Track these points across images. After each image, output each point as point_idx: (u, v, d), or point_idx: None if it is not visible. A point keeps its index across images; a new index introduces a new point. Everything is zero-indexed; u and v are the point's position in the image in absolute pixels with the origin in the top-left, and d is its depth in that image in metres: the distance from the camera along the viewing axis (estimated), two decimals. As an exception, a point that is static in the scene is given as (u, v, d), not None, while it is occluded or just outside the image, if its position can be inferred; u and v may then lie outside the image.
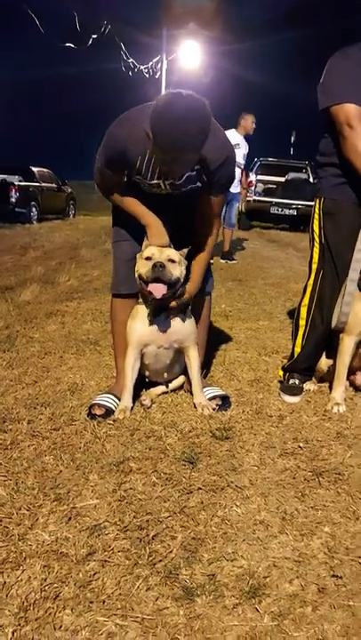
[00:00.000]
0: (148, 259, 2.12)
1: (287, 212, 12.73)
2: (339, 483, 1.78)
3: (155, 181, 2.12)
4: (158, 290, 2.08)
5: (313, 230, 2.55)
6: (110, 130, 2.07)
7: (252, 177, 13.02)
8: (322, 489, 1.75)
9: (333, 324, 2.39)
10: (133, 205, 2.18)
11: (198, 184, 2.14)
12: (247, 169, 12.02)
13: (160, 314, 2.21)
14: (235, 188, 7.00)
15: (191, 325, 2.29)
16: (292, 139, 27.06)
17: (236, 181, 6.94)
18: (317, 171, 2.58)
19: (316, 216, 2.52)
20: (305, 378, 2.62)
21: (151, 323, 2.22)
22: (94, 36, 13.30)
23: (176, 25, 21.93)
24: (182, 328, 2.25)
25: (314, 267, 2.54)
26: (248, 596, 1.29)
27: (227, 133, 6.92)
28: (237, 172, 6.85)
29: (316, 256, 2.53)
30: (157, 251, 2.14)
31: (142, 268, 2.13)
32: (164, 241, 2.16)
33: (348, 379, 2.60)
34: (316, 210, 2.52)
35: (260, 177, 13.15)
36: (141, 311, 2.23)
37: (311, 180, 13.71)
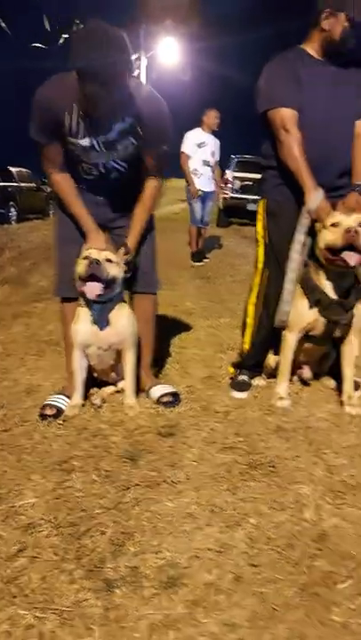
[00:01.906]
0: (85, 258, 2.17)
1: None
2: (271, 475, 1.85)
3: (87, 141, 2.13)
4: (92, 290, 2.13)
5: (257, 231, 2.61)
6: (36, 91, 2.08)
7: (229, 174, 13.07)
8: (254, 482, 1.81)
9: (275, 321, 2.45)
10: (76, 205, 2.23)
11: (132, 140, 2.16)
12: (223, 166, 12.08)
13: (101, 313, 2.26)
14: (208, 187, 7.01)
15: (131, 327, 2.34)
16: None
17: (209, 179, 6.98)
18: (261, 172, 2.64)
19: (260, 217, 2.58)
20: (254, 374, 2.69)
21: (93, 324, 2.26)
22: (66, 36, 13.19)
23: (153, 22, 21.88)
24: (122, 330, 2.30)
25: (259, 266, 2.60)
26: (166, 586, 1.34)
27: (192, 132, 6.90)
28: (208, 169, 6.89)
29: (260, 256, 2.60)
30: (96, 251, 2.19)
31: (79, 267, 2.18)
32: (102, 246, 2.21)
33: (295, 373, 2.68)
34: (260, 211, 2.59)
35: (236, 174, 13.20)
36: (83, 313, 2.28)
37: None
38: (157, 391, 2.46)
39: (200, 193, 6.82)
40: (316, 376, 2.74)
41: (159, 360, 3.03)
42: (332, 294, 2.31)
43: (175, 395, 2.46)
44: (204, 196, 6.99)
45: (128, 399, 2.40)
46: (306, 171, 2.31)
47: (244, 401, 2.50)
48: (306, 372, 2.66)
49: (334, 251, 2.22)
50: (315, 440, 2.11)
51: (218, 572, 1.40)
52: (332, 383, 2.68)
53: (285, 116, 2.33)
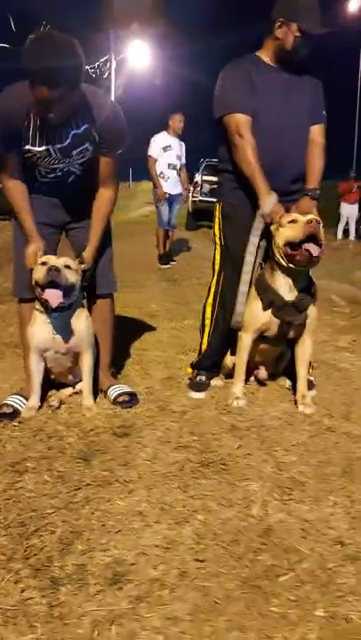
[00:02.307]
0: (43, 264, 2.17)
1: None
2: (222, 473, 1.88)
3: (43, 148, 2.14)
4: (53, 298, 2.14)
5: (214, 233, 2.66)
6: None
7: (198, 177, 13.17)
8: (205, 479, 1.85)
9: (231, 323, 2.49)
10: (23, 211, 2.24)
11: (87, 145, 2.18)
12: (192, 170, 12.16)
13: (58, 318, 2.26)
14: (175, 190, 7.06)
15: (88, 330, 2.35)
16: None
17: (176, 182, 7.03)
18: (218, 176, 2.69)
19: (217, 220, 2.63)
20: (212, 374, 2.73)
21: (50, 328, 2.26)
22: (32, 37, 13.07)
23: (119, 25, 21.87)
24: (79, 333, 2.31)
25: (216, 268, 2.65)
26: (111, 582, 1.36)
27: (158, 136, 6.97)
28: (175, 172, 6.93)
29: (217, 258, 2.64)
30: (54, 258, 2.20)
31: (37, 273, 2.18)
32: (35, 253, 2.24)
33: (252, 373, 2.73)
34: (217, 213, 2.63)
35: (205, 177, 13.29)
36: (39, 317, 2.28)
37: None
38: (115, 392, 2.48)
39: (167, 196, 6.86)
40: (273, 376, 2.79)
41: (120, 362, 3.04)
42: (285, 296, 2.36)
43: (132, 395, 2.48)
44: (171, 199, 7.03)
45: (86, 400, 2.41)
46: (260, 175, 2.36)
47: (202, 401, 2.54)
48: (262, 372, 2.71)
49: (295, 245, 2.25)
50: (267, 438, 2.16)
51: (163, 568, 1.42)
52: (287, 383, 2.74)
53: (240, 121, 2.38)
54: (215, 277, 2.65)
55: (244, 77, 2.41)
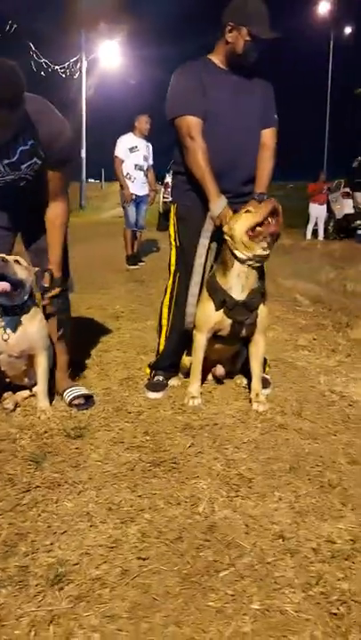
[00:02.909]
0: (-9, 257, 2.16)
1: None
2: (172, 471, 1.90)
3: None
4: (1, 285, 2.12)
5: (170, 234, 2.68)
6: None
7: (168, 178, 13.17)
8: (155, 478, 1.86)
9: (184, 323, 2.52)
10: None
11: (36, 160, 2.17)
12: (162, 171, 12.16)
13: (10, 321, 2.25)
14: (142, 191, 7.06)
15: (41, 332, 2.34)
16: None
17: (143, 183, 7.03)
18: (173, 178, 2.71)
19: (172, 221, 2.65)
20: (169, 374, 2.75)
21: (1, 332, 2.25)
22: (-2, 36, 12.98)
23: (86, 25, 21.80)
24: (32, 336, 2.29)
25: (172, 269, 2.67)
26: (53, 582, 1.37)
27: (124, 137, 6.97)
28: (141, 174, 6.94)
29: (173, 258, 2.67)
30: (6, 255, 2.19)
31: None
32: None
33: (209, 372, 2.76)
34: (172, 215, 2.65)
35: (176, 178, 13.29)
36: (-10, 321, 2.26)
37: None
38: (71, 394, 2.48)
39: (133, 197, 6.87)
40: (230, 374, 2.82)
41: (79, 363, 3.04)
42: (236, 296, 2.39)
43: (88, 397, 2.48)
44: (138, 200, 7.04)
45: (41, 403, 2.41)
46: (210, 178, 2.39)
47: (158, 401, 2.55)
48: (219, 370, 2.74)
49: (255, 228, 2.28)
50: (219, 436, 2.18)
51: (106, 567, 1.43)
52: (244, 381, 2.77)
53: (190, 124, 2.41)
54: (171, 278, 2.67)
55: (195, 80, 2.44)
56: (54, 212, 2.34)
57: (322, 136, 31.58)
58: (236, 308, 2.39)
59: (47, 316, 2.43)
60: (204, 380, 2.78)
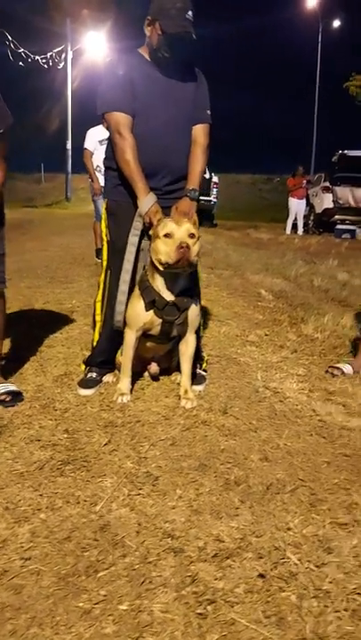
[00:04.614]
0: None
1: (180, 206, 12.93)
2: (80, 470, 1.90)
3: None
4: None
5: (102, 230, 2.66)
6: None
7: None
8: (62, 477, 1.85)
9: (114, 322, 2.50)
10: None
11: None
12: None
13: None
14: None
15: None
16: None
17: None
18: (104, 173, 2.69)
19: (104, 216, 2.63)
20: (103, 371, 2.73)
21: None
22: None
23: (70, 14, 21.59)
24: None
25: (104, 264, 2.65)
26: None
27: (94, 129, 6.90)
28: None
29: (105, 254, 2.65)
30: None
31: None
32: None
33: (144, 369, 2.75)
34: (103, 210, 2.63)
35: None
36: None
37: (207, 175, 14.04)
38: (-2, 390, 2.46)
39: (102, 190, 6.80)
40: (167, 370, 2.82)
41: (20, 359, 3.03)
42: (166, 296, 2.38)
43: (16, 394, 2.47)
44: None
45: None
46: (138, 174, 2.38)
47: (88, 398, 2.54)
48: (153, 367, 2.73)
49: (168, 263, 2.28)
50: (138, 433, 2.18)
51: (-14, 568, 1.42)
52: (179, 378, 2.76)
53: (119, 120, 2.39)
54: (104, 274, 2.66)
55: (124, 76, 2.41)
56: None
57: (310, 129, 31.58)
58: (167, 307, 2.39)
59: None
60: (139, 376, 2.78)
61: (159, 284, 2.39)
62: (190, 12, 2.28)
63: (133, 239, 2.44)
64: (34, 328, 3.66)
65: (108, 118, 2.42)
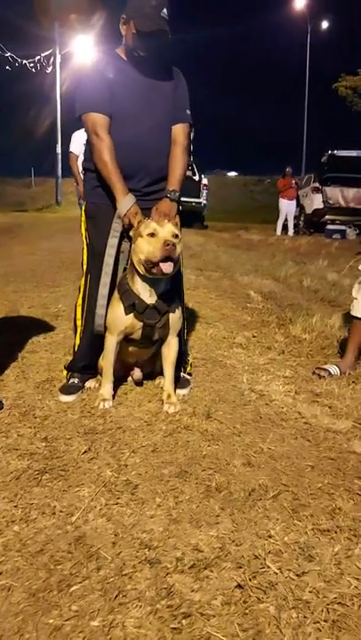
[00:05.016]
0: None
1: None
2: (58, 479, 1.85)
3: None
4: None
5: (81, 232, 2.61)
6: None
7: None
8: (38, 487, 1.80)
9: (94, 326, 2.46)
10: None
11: None
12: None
13: None
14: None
15: None
16: (192, 135, 27.48)
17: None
18: (83, 175, 2.64)
19: (82, 218, 2.59)
20: (85, 376, 2.68)
21: None
22: None
23: (58, 18, 21.56)
24: None
25: (84, 268, 2.61)
26: None
27: (79, 132, 6.86)
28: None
29: (84, 257, 2.61)
30: None
31: None
32: None
33: (128, 374, 2.71)
34: (82, 213, 2.59)
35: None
36: None
37: (196, 177, 14.04)
38: (-23, 398, 2.41)
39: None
40: (150, 375, 2.77)
41: (1, 365, 2.97)
42: (146, 299, 2.34)
43: (-5, 402, 2.41)
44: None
45: None
46: (116, 176, 2.33)
47: (69, 404, 2.49)
48: (137, 373, 2.68)
49: (152, 261, 2.25)
50: (119, 440, 2.13)
51: None
52: (163, 382, 2.72)
53: (96, 121, 2.35)
54: (83, 277, 2.61)
55: (101, 76, 2.37)
56: None
57: (300, 130, 31.69)
58: (147, 311, 2.34)
59: None
60: (122, 381, 2.73)
61: (139, 286, 2.34)
62: (165, 10, 2.24)
63: (113, 241, 2.40)
64: (17, 333, 3.60)
65: (85, 119, 2.38)
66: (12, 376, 2.87)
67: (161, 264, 2.23)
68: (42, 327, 3.81)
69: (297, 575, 1.40)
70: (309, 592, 1.34)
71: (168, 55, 2.44)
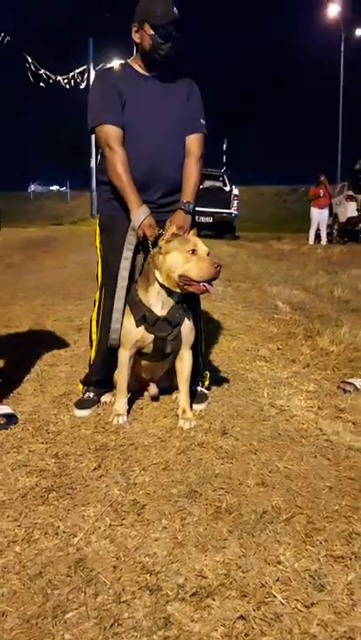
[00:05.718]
0: None
1: (203, 220, 12.94)
2: (64, 498, 1.81)
3: None
4: None
5: (96, 246, 2.60)
6: None
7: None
8: (44, 506, 1.77)
9: (109, 340, 2.42)
10: None
11: None
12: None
13: None
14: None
15: None
16: (225, 146, 27.55)
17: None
18: (97, 188, 2.63)
19: (96, 232, 2.57)
20: (101, 390, 2.65)
21: None
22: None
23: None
24: None
25: (99, 281, 2.59)
26: None
27: None
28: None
29: (99, 271, 2.58)
30: None
31: None
32: None
33: (144, 389, 2.66)
34: (96, 226, 2.57)
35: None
36: None
37: (227, 188, 14.02)
38: (-8, 413, 2.40)
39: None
40: (168, 389, 2.71)
41: (20, 378, 2.98)
42: (158, 311, 2.30)
43: (10, 417, 2.40)
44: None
45: None
46: (130, 188, 2.31)
47: (83, 419, 2.46)
48: (152, 389, 2.63)
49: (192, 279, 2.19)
50: (130, 457, 2.08)
51: None
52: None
53: (108, 133, 2.33)
54: (98, 291, 2.59)
55: (112, 88, 2.37)
56: None
57: (335, 139, 31.31)
58: (158, 323, 2.30)
59: None
60: (139, 395, 2.69)
61: (152, 299, 2.30)
62: (175, 9, 2.25)
63: (128, 254, 2.36)
64: (39, 346, 3.61)
65: (97, 132, 2.36)
66: (29, 389, 2.86)
67: (206, 284, 2.19)
68: (64, 340, 3.81)
69: (305, 606, 1.32)
70: (317, 625, 1.26)
71: (182, 54, 2.42)
